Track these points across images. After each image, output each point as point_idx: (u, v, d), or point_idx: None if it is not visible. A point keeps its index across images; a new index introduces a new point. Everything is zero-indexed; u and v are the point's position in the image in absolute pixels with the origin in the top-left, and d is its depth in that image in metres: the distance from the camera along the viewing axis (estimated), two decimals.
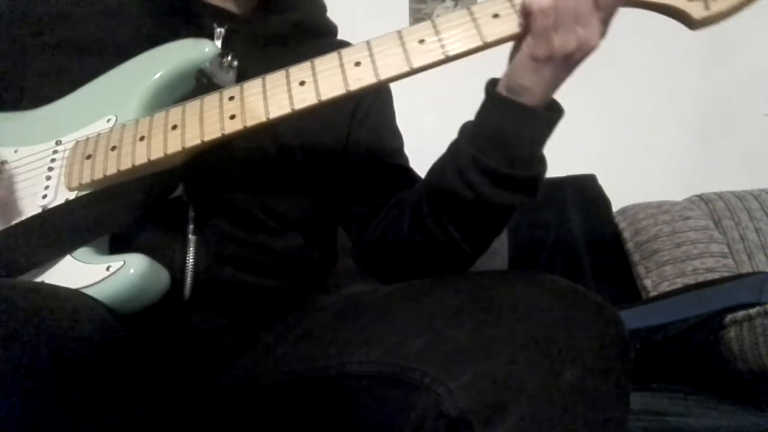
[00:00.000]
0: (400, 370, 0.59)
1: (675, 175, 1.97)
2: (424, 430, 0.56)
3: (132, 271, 0.66)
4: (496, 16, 0.65)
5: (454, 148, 0.71)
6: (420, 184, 0.78)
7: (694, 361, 1.37)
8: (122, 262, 0.67)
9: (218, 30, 0.82)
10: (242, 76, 0.77)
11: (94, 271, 0.67)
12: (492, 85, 0.69)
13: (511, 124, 0.67)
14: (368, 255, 0.86)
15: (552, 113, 0.68)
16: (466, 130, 0.71)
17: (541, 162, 0.70)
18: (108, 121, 0.75)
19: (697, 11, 0.63)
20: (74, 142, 0.76)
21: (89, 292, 0.65)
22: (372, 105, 0.91)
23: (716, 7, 0.63)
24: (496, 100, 0.68)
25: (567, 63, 0.64)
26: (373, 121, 0.90)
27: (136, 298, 0.67)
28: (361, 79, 0.67)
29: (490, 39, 0.65)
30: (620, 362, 0.57)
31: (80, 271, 0.67)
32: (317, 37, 0.89)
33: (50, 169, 0.75)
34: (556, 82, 0.66)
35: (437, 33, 0.66)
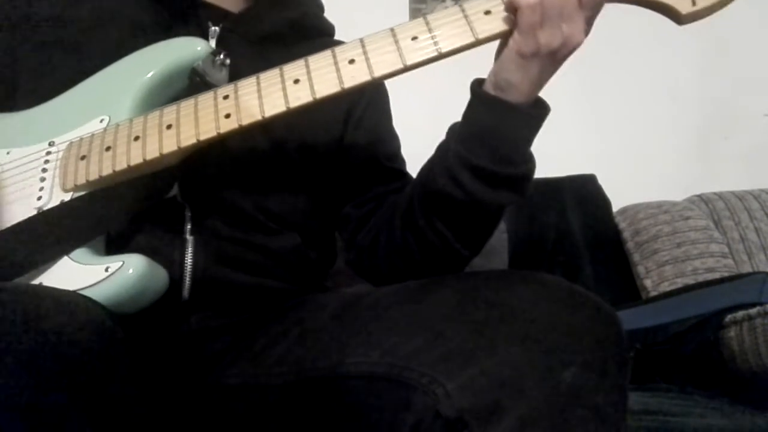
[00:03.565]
0: (398, 370, 0.59)
1: (675, 175, 1.97)
2: (422, 430, 0.56)
3: (131, 271, 0.66)
4: (487, 12, 0.66)
5: (442, 148, 0.72)
6: (410, 186, 0.78)
7: (694, 361, 1.37)
8: (121, 263, 0.66)
9: (213, 28, 0.82)
10: (235, 75, 0.76)
11: (92, 272, 0.67)
12: (478, 84, 0.70)
13: (497, 122, 0.68)
14: (362, 259, 0.86)
15: (538, 111, 0.69)
16: (454, 129, 0.72)
17: (530, 160, 0.71)
18: (101, 121, 0.75)
19: (684, 6, 0.64)
20: (68, 142, 0.75)
21: (88, 293, 0.65)
22: (368, 106, 0.90)
23: (703, 3, 0.63)
24: (482, 98, 0.69)
25: (552, 59, 0.65)
26: (369, 123, 0.90)
27: (135, 299, 0.67)
28: (355, 77, 0.67)
29: (482, 36, 0.66)
30: (618, 362, 0.57)
31: (78, 273, 0.67)
32: (313, 37, 0.89)
33: (44, 170, 0.75)
34: (542, 79, 0.67)
35: (430, 30, 0.66)
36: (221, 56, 0.78)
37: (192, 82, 0.75)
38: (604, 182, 1.81)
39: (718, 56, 1.97)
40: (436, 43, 0.66)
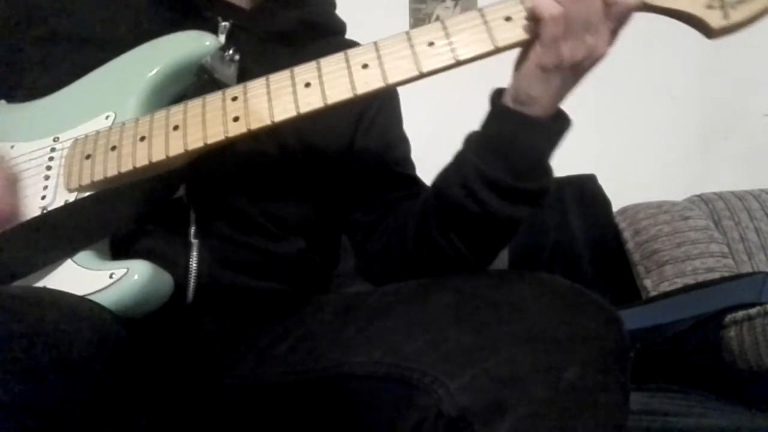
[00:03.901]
0: (401, 370, 0.59)
1: (675, 175, 1.97)
2: (425, 430, 0.56)
3: (136, 278, 0.65)
4: (508, 19, 0.63)
5: (458, 160, 0.70)
6: (424, 195, 0.77)
7: (694, 361, 1.37)
8: (126, 269, 0.66)
9: (222, 24, 0.79)
10: (244, 73, 0.76)
11: (97, 277, 0.66)
12: (497, 95, 0.68)
13: (516, 135, 0.66)
14: (372, 265, 0.85)
15: (559, 124, 0.67)
16: (471, 140, 0.70)
17: (547, 173, 0.69)
18: (107, 117, 0.74)
19: (715, 20, 0.62)
20: (73, 139, 0.74)
21: (93, 299, 0.64)
22: (379, 111, 0.89)
23: (735, 17, 0.61)
24: (502, 111, 0.67)
25: (575, 72, 0.63)
26: (380, 128, 0.89)
27: (140, 305, 0.66)
28: (368, 82, 0.65)
29: (501, 44, 0.63)
30: (620, 361, 0.57)
31: (83, 278, 0.66)
32: (324, 36, 0.88)
33: (49, 168, 0.74)
34: (563, 91, 0.65)
35: (447, 36, 0.64)
36: (230, 52, 0.76)
37: (200, 79, 0.74)
38: (604, 182, 1.81)
39: (718, 56, 1.97)
40: (453, 50, 0.63)
